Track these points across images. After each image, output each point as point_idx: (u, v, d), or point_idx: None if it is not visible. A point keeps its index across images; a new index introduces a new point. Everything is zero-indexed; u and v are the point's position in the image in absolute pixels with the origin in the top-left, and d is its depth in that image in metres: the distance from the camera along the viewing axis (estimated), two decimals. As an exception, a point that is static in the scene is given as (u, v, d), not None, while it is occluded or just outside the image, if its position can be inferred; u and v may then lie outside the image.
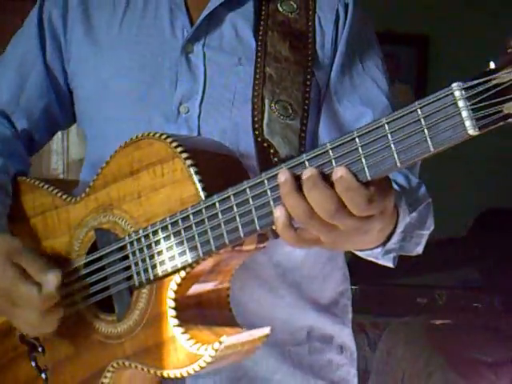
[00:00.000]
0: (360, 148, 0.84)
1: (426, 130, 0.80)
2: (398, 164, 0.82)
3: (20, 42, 1.34)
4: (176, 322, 0.99)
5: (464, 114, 0.78)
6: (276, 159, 1.08)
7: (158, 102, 1.19)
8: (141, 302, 1.04)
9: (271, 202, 0.90)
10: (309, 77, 1.15)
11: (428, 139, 0.80)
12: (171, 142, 1.01)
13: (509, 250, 3.54)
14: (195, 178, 0.99)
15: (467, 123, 0.78)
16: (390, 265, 1.11)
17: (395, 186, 1.09)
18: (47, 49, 1.30)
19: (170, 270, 1.00)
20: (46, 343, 1.14)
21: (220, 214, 0.95)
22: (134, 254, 1.04)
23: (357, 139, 0.84)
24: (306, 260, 1.21)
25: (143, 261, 1.03)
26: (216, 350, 0.96)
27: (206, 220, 0.96)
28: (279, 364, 1.20)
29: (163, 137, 1.02)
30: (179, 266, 0.99)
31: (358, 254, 1.08)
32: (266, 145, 1.09)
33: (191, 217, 0.98)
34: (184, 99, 1.18)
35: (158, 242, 1.01)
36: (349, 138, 0.85)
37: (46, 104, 1.31)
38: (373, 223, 0.89)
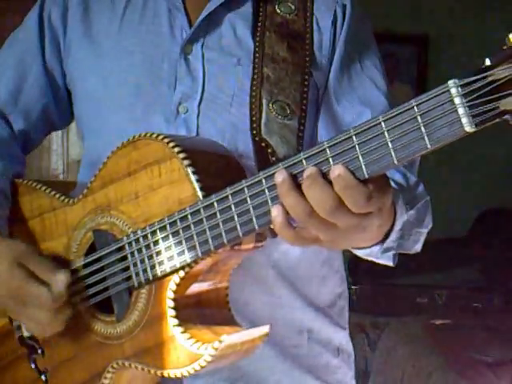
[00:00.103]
0: (357, 146, 0.84)
1: (422, 128, 0.80)
2: (396, 161, 0.82)
3: (19, 40, 1.33)
4: (175, 321, 0.99)
5: (460, 110, 0.78)
6: (274, 159, 1.08)
7: (157, 102, 1.19)
8: (140, 303, 1.04)
9: (269, 201, 0.90)
10: (306, 77, 1.15)
11: (425, 136, 0.80)
12: (168, 143, 1.01)
13: (509, 250, 3.54)
14: (193, 178, 0.99)
15: (464, 120, 0.78)
16: (390, 263, 1.11)
17: (393, 184, 1.09)
18: (46, 49, 1.30)
19: (168, 270, 1.00)
20: (45, 345, 1.14)
21: (218, 214, 0.95)
22: (132, 254, 1.04)
23: (354, 137, 0.84)
24: (301, 260, 1.21)
25: (142, 261, 1.03)
26: (216, 349, 0.96)
27: (205, 220, 0.96)
28: (277, 364, 1.20)
29: (160, 137, 1.02)
30: (178, 265, 0.99)
31: (358, 253, 1.08)
32: (263, 145, 1.09)
33: (189, 217, 0.98)
34: (183, 99, 1.18)
35: (156, 243, 1.01)
36: (346, 136, 0.85)
37: (44, 105, 1.31)
38: (371, 220, 0.89)
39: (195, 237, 0.97)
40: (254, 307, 1.18)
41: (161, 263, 1.01)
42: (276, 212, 0.88)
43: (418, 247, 1.14)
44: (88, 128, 1.28)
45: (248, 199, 0.92)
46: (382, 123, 0.83)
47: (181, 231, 0.99)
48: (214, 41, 1.20)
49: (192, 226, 0.97)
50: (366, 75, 1.22)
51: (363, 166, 0.84)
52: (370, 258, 1.10)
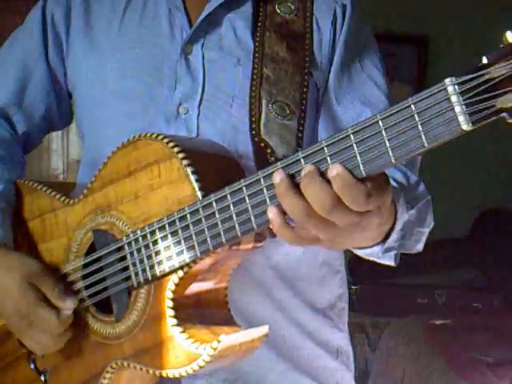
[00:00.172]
0: (355, 145, 0.84)
1: (419, 126, 0.80)
2: (393, 160, 0.82)
3: (21, 40, 1.33)
4: (174, 321, 0.99)
5: (457, 109, 0.78)
6: (273, 159, 1.07)
7: (158, 103, 1.19)
8: (139, 303, 1.04)
9: (267, 200, 0.90)
10: (306, 77, 1.15)
11: (422, 135, 0.80)
12: (168, 142, 1.01)
13: (509, 250, 3.54)
14: (192, 178, 0.99)
15: (460, 118, 0.78)
16: (392, 263, 1.10)
17: (394, 184, 1.09)
18: (50, 49, 1.30)
19: (167, 270, 1.00)
20: (45, 345, 1.14)
21: (217, 213, 0.95)
22: (131, 254, 1.04)
23: (351, 136, 0.84)
24: (301, 261, 1.21)
25: (141, 261, 1.03)
26: (214, 349, 0.96)
27: (203, 219, 0.96)
28: (276, 365, 1.20)
29: (160, 137, 1.02)
30: (177, 265, 0.99)
31: (359, 253, 1.07)
32: (263, 145, 1.09)
33: (188, 216, 0.98)
34: (183, 100, 1.18)
35: (155, 242, 1.01)
36: (344, 135, 0.85)
37: (47, 105, 1.31)
38: (371, 218, 0.88)
39: (194, 236, 0.97)
40: (254, 308, 1.17)
41: (160, 263, 1.01)
42: (272, 214, 0.88)
43: (420, 247, 1.14)
44: (88, 128, 1.29)
45: (246, 198, 0.92)
46: (380, 122, 0.82)
47: (180, 231, 0.99)
48: (214, 41, 1.20)
49: (191, 226, 0.97)
50: (366, 75, 1.22)
51: (361, 165, 0.84)
52: (371, 258, 1.09)
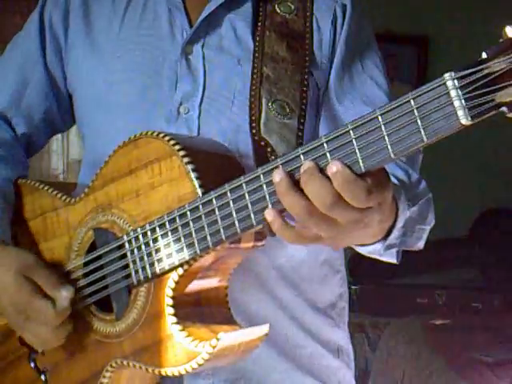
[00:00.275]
0: (354, 140, 0.84)
1: (418, 121, 0.80)
2: (392, 155, 0.82)
3: (20, 44, 1.34)
4: (174, 319, 0.99)
5: (456, 103, 0.78)
6: (273, 158, 1.07)
7: (158, 103, 1.19)
8: (139, 301, 1.04)
9: (267, 197, 0.90)
10: (306, 77, 1.15)
11: (421, 130, 0.80)
12: (169, 140, 1.01)
13: (509, 250, 3.54)
14: (192, 176, 0.99)
15: (460, 113, 0.78)
16: (394, 261, 1.10)
17: (395, 181, 1.09)
18: (47, 52, 1.30)
19: (167, 267, 1.00)
20: (45, 344, 1.14)
21: (217, 210, 0.95)
22: (131, 252, 1.04)
23: (351, 131, 0.84)
24: (305, 261, 1.21)
25: (141, 259, 1.03)
26: (213, 347, 0.96)
27: (203, 216, 0.96)
28: (278, 365, 1.20)
29: (161, 135, 1.02)
30: (177, 263, 0.99)
31: (361, 251, 1.07)
32: (263, 144, 1.09)
33: (188, 214, 0.98)
34: (184, 100, 1.18)
35: (155, 240, 1.01)
36: (343, 131, 0.85)
37: (46, 109, 1.31)
38: (372, 215, 0.88)
39: (194, 234, 0.97)
40: (256, 307, 1.17)
41: (160, 261, 1.01)
42: (270, 218, 0.88)
43: (421, 244, 1.14)
44: (89, 129, 1.29)
45: (246, 195, 0.92)
46: (379, 117, 0.82)
47: (180, 228, 0.99)
48: (214, 41, 1.20)
49: (191, 223, 0.97)
50: (367, 74, 1.22)
51: (360, 161, 0.84)
52: (373, 256, 1.09)
